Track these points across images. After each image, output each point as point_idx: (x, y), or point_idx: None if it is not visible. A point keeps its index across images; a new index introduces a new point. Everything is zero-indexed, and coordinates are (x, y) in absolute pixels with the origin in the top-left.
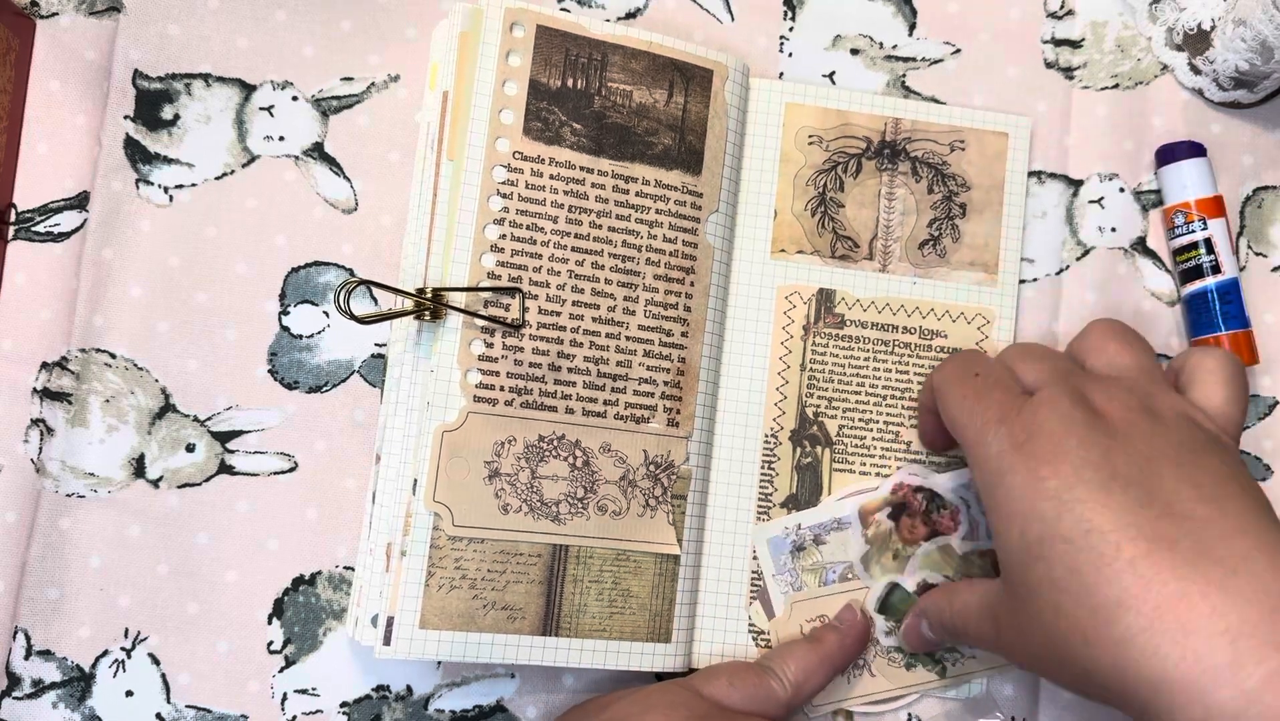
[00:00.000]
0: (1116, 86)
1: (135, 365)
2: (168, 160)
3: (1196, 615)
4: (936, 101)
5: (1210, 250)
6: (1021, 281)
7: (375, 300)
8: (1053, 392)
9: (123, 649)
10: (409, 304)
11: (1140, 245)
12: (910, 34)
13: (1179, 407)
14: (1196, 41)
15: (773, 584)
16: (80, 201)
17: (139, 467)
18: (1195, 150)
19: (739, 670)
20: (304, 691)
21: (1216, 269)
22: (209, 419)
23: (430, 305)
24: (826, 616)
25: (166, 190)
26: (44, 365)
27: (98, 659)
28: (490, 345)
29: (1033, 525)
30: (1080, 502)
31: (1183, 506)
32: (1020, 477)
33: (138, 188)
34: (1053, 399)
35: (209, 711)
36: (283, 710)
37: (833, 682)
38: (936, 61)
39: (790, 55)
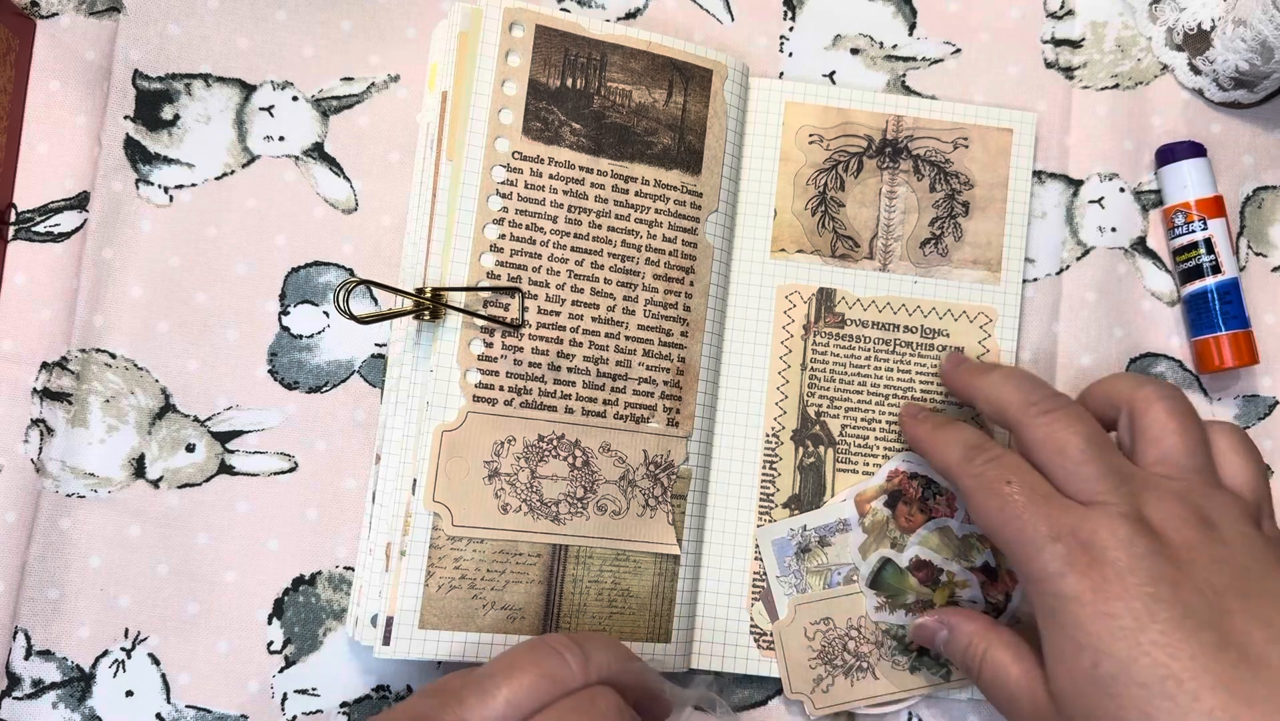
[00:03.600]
0: (1117, 86)
1: (135, 365)
2: (168, 160)
3: None
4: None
5: (1210, 250)
6: (1022, 281)
7: (375, 300)
8: (1109, 515)
9: (123, 649)
10: (409, 304)
11: (1140, 245)
12: (910, 34)
13: (1233, 514)
14: (1196, 41)
15: (776, 585)
16: (80, 201)
17: (139, 468)
18: (1195, 150)
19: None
20: (304, 691)
21: (1216, 269)
22: (209, 419)
23: (430, 305)
24: (831, 619)
25: (167, 190)
26: (44, 365)
27: (98, 659)
28: (490, 345)
29: (1105, 662)
30: (1156, 646)
31: (1257, 650)
32: (1089, 609)
33: (138, 188)
34: (1111, 524)
35: (209, 711)
36: (283, 710)
37: (836, 684)
38: (937, 61)
39: (790, 55)
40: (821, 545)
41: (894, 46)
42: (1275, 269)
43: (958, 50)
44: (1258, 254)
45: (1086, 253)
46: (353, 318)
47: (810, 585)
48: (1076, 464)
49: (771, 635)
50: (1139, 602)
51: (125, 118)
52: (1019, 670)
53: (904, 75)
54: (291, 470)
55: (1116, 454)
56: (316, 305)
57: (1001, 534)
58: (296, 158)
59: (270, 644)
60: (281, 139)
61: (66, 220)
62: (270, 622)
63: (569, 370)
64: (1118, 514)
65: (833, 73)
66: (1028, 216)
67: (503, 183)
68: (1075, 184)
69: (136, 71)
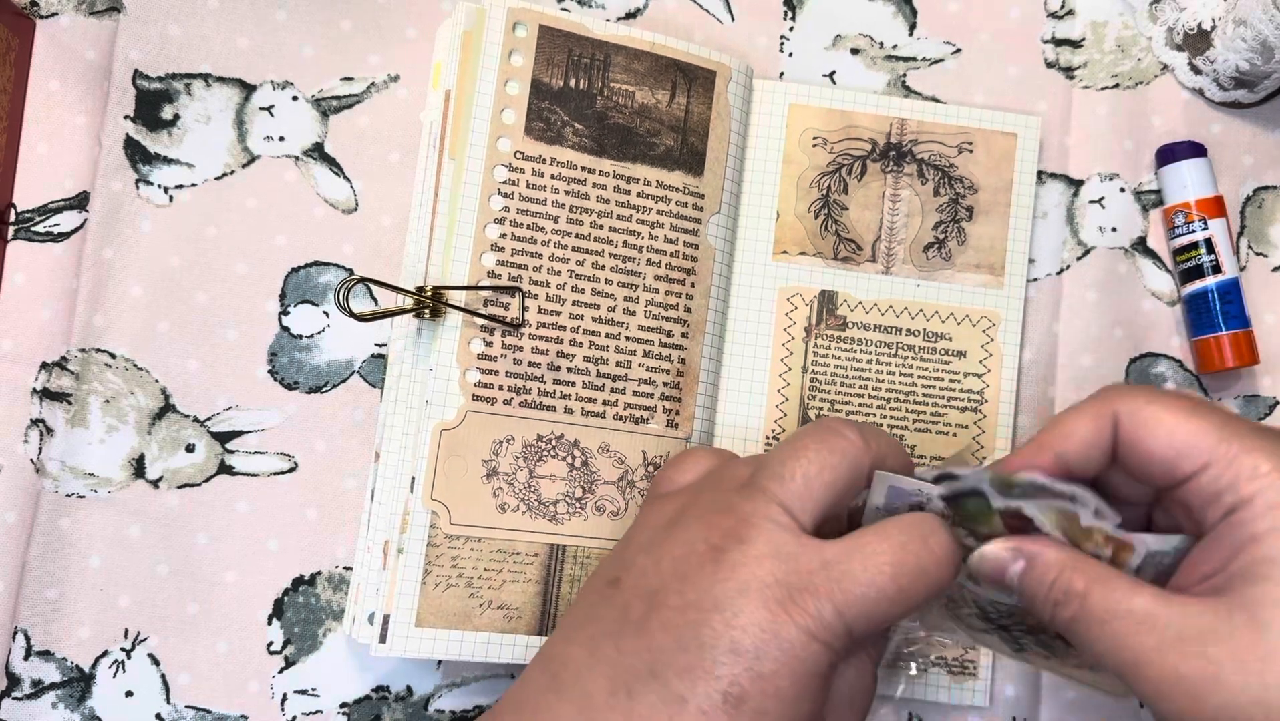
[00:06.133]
0: (1117, 86)
1: (135, 365)
2: (168, 160)
3: None
4: (937, 101)
5: (1210, 250)
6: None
7: (375, 300)
8: None
9: (122, 649)
10: (409, 302)
11: (1141, 245)
12: (910, 34)
13: None
14: (1197, 41)
15: (870, 515)
16: (80, 201)
17: (139, 468)
18: (1195, 150)
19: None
20: (304, 692)
21: (1217, 269)
22: (209, 419)
23: (430, 303)
24: None
25: (166, 190)
26: (44, 365)
27: (97, 659)
28: (490, 344)
29: None
30: None
31: None
32: None
33: (138, 188)
34: None
35: (209, 711)
36: (282, 710)
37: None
38: (937, 61)
39: (790, 55)
40: (942, 516)
41: (894, 46)
42: (1276, 269)
43: (958, 50)
44: (1258, 254)
45: (1087, 253)
46: (353, 315)
47: None
48: None
49: None
50: None
51: (125, 117)
52: (1148, 596)
53: (904, 75)
54: (291, 470)
55: None
56: (316, 305)
57: None
58: (296, 158)
59: (270, 644)
60: (281, 139)
61: (66, 220)
62: (270, 623)
63: (569, 370)
64: None
65: (833, 73)
66: (1031, 220)
67: (504, 182)
68: (1076, 184)
69: (136, 71)
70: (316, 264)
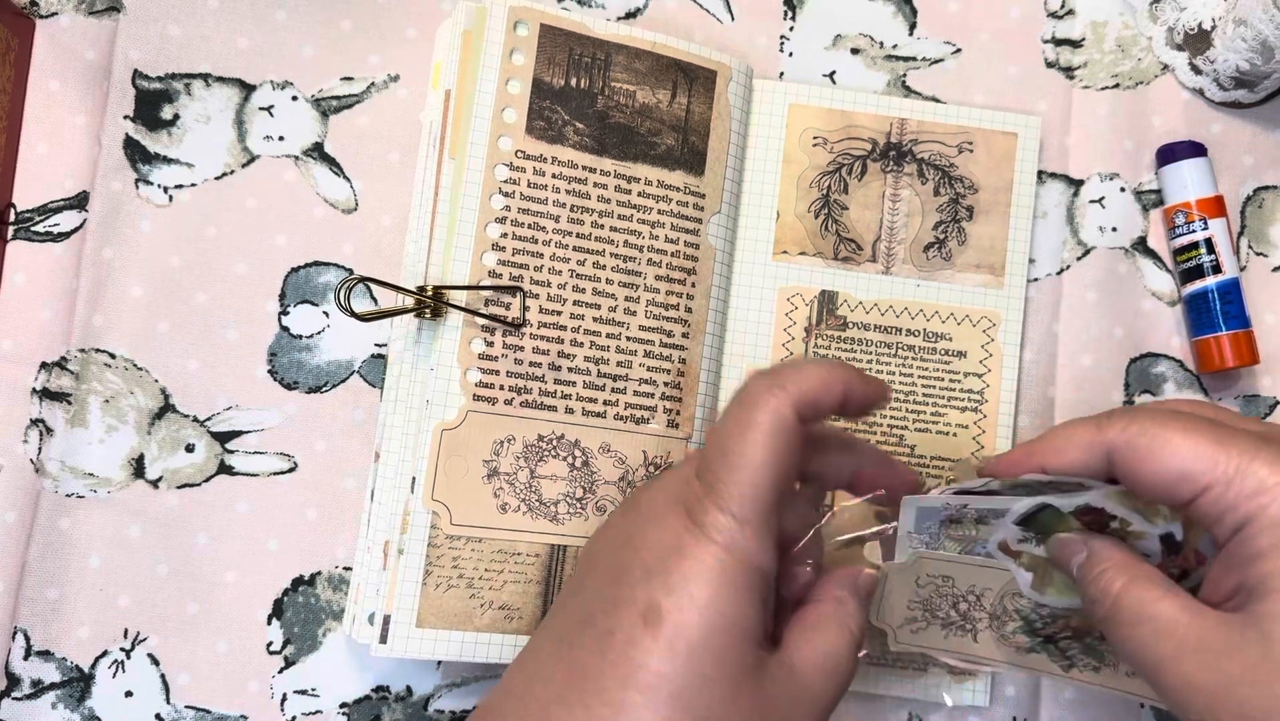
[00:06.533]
0: (1117, 86)
1: (135, 365)
2: (168, 160)
3: None
4: (937, 101)
5: (1211, 250)
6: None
7: (375, 300)
8: None
9: (122, 649)
10: (410, 302)
11: (1141, 245)
12: (911, 33)
13: None
14: (1197, 41)
15: (904, 540)
16: (80, 201)
17: (139, 468)
18: (1196, 150)
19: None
20: (303, 692)
21: (1217, 269)
22: (209, 419)
23: (431, 303)
24: (953, 579)
25: (166, 190)
26: (44, 365)
27: (97, 659)
28: (490, 344)
29: None
30: None
31: None
32: None
33: (137, 187)
34: None
35: (208, 712)
36: (282, 711)
37: (928, 631)
38: (937, 61)
39: (790, 55)
40: (979, 523)
41: (894, 46)
42: (1276, 269)
43: (958, 50)
44: (1258, 254)
45: (1087, 252)
46: (354, 315)
47: (945, 546)
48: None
49: None
50: None
51: (125, 117)
52: (1175, 604)
53: (904, 75)
54: (291, 470)
55: None
56: (316, 305)
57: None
58: (296, 158)
59: (270, 644)
60: (281, 139)
61: (66, 220)
62: (270, 623)
63: (569, 370)
64: None
65: (833, 72)
66: (1032, 220)
67: (505, 181)
68: (1076, 184)
69: (136, 71)
70: (316, 264)
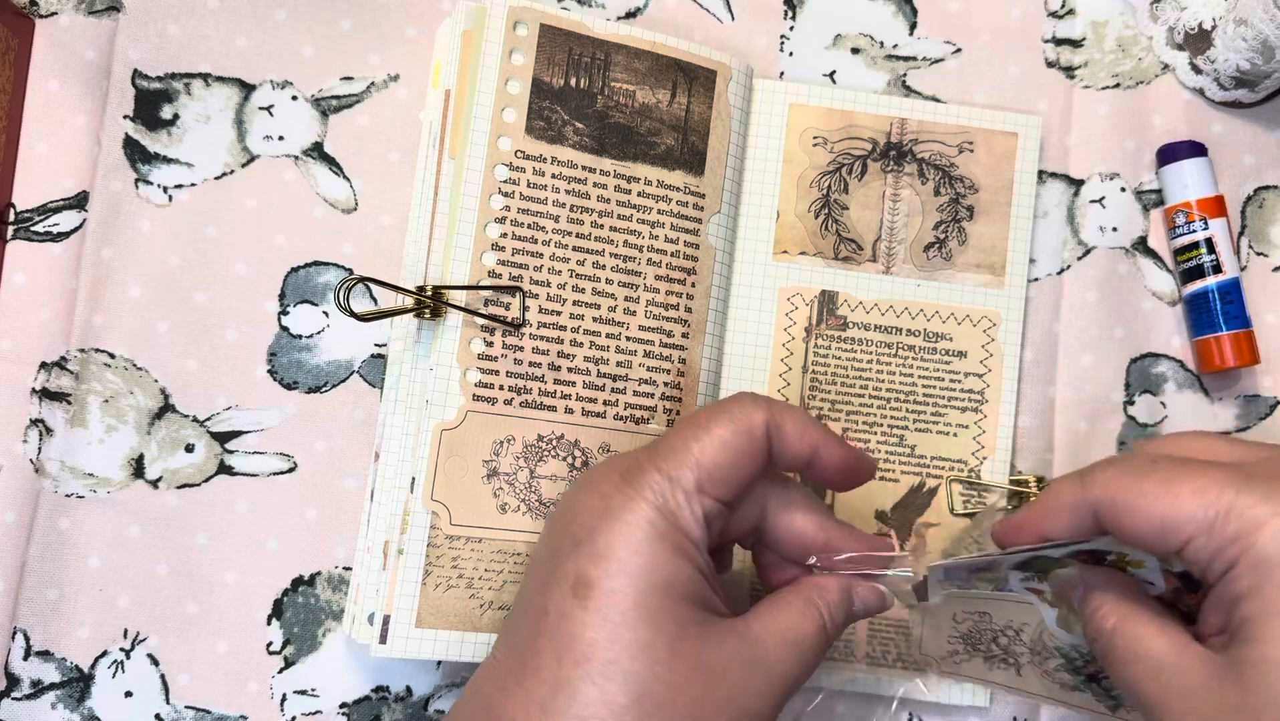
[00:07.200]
0: (1117, 86)
1: (134, 365)
2: (167, 160)
3: None
4: (937, 100)
5: (1211, 250)
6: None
7: (375, 300)
8: None
9: (122, 649)
10: (409, 301)
11: (1141, 245)
12: (911, 33)
13: None
14: (1197, 41)
15: (935, 586)
16: (79, 201)
17: (138, 468)
18: (1196, 150)
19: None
20: (303, 692)
21: (1217, 268)
22: (208, 419)
23: (431, 303)
24: (989, 615)
25: (166, 190)
26: (43, 365)
27: (97, 659)
28: (490, 344)
29: None
30: None
31: None
32: None
33: (137, 187)
34: None
35: (208, 712)
36: (282, 711)
37: (971, 662)
38: (937, 61)
39: (791, 54)
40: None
41: (894, 46)
42: (1276, 268)
43: (958, 50)
44: (1259, 253)
45: (1088, 252)
46: (354, 315)
47: (978, 586)
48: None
49: None
50: None
51: (124, 117)
52: (1165, 643)
53: (904, 75)
54: (291, 470)
55: None
56: (316, 305)
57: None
58: (296, 157)
59: (269, 644)
60: (281, 138)
61: (65, 220)
62: (269, 623)
63: (569, 370)
64: None
65: (833, 72)
66: (1032, 220)
67: (505, 181)
68: (1076, 184)
69: (136, 71)
70: (316, 264)
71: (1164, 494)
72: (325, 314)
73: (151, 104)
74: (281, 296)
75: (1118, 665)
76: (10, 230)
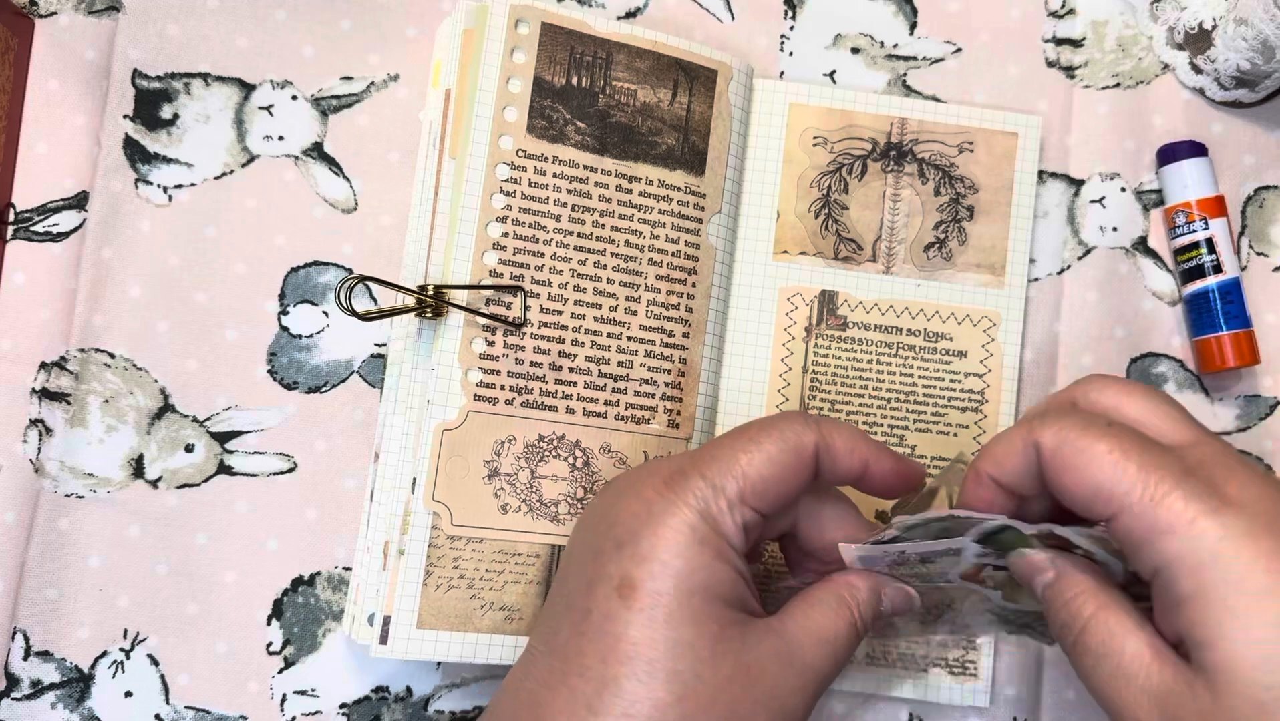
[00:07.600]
0: (1118, 86)
1: (134, 365)
2: (167, 160)
3: None
4: (937, 100)
5: (1211, 250)
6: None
7: (375, 300)
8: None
9: (122, 649)
10: (410, 301)
11: (1141, 245)
12: (911, 33)
13: None
14: (1198, 41)
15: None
16: (79, 201)
17: (138, 468)
18: (1196, 150)
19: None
20: (303, 692)
21: (1218, 268)
22: (208, 419)
23: (432, 303)
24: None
25: (166, 190)
26: (43, 365)
27: (97, 659)
28: (491, 344)
29: None
30: None
31: None
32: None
33: (137, 187)
34: (1247, 465)
35: (208, 712)
36: (282, 711)
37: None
38: (937, 61)
39: (791, 54)
40: (924, 562)
41: (895, 46)
42: (1276, 268)
43: (958, 50)
44: (1259, 253)
45: (1088, 252)
46: (354, 314)
47: (914, 580)
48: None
49: None
50: None
51: (124, 117)
52: (1139, 641)
53: (904, 75)
54: (291, 470)
55: None
56: (316, 305)
57: (1104, 489)
58: (296, 157)
59: (269, 644)
60: (281, 138)
61: (65, 220)
62: (269, 623)
63: (570, 370)
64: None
65: (833, 72)
66: (1032, 220)
67: (506, 180)
68: (1076, 183)
69: (136, 71)
70: (316, 264)
71: (1109, 459)
72: (325, 314)
73: (151, 104)
74: (281, 296)
75: (1088, 657)
76: (10, 230)
